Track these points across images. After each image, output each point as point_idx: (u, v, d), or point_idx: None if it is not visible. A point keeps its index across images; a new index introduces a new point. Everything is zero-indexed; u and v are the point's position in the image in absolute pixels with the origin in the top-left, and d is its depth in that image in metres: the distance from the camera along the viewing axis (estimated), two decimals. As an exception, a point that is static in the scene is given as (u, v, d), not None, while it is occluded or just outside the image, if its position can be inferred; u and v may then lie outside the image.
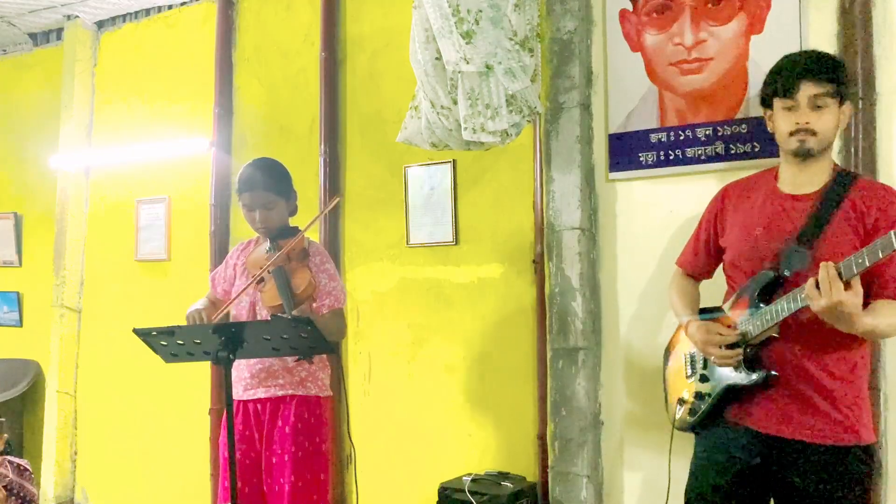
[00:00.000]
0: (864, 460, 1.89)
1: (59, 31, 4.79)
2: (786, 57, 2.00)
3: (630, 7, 2.83)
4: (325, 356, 2.64)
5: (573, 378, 2.83)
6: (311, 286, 2.46)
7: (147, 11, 4.48)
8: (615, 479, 2.85)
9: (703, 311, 2.16)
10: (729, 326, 2.01)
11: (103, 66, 4.68)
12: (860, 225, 1.88)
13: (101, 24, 4.69)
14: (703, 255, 2.20)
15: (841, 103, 1.93)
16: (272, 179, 2.57)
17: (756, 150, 2.57)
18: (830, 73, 1.90)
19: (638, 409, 2.80)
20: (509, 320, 3.20)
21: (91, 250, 4.65)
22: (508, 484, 2.94)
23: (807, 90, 1.89)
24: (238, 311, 2.63)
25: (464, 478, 3.01)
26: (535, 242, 3.10)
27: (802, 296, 1.78)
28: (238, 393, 2.59)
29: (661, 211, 2.75)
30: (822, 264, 1.71)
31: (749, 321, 1.95)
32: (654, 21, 2.78)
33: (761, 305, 1.92)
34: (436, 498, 2.99)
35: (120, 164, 4.50)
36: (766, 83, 2.02)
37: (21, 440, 4.71)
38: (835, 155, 2.44)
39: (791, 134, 1.93)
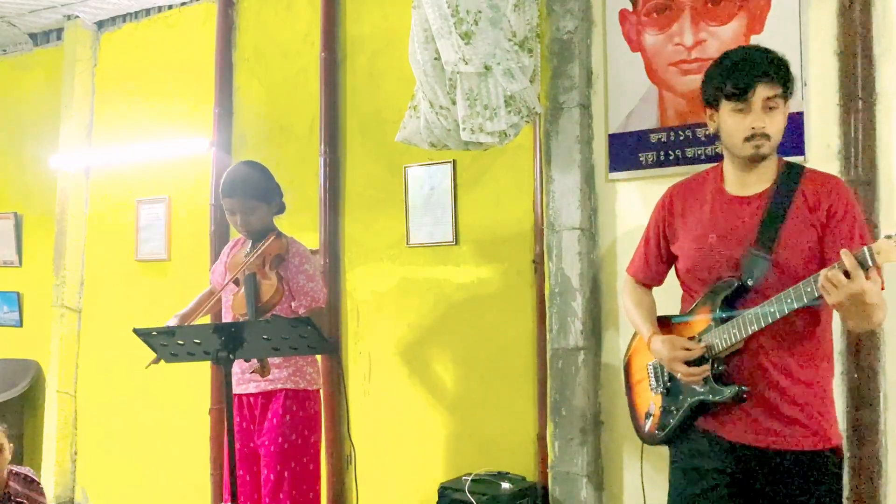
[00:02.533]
0: (835, 462, 1.86)
1: (59, 31, 4.79)
2: (734, 53, 1.89)
3: (630, 7, 2.83)
4: None
5: (573, 378, 2.83)
6: (279, 293, 2.54)
7: (147, 11, 4.48)
8: (615, 479, 2.85)
9: (660, 320, 2.08)
10: (691, 338, 1.93)
11: (103, 66, 4.68)
12: (814, 217, 1.81)
13: (101, 24, 4.69)
14: (655, 262, 2.11)
15: (787, 101, 1.85)
16: (251, 186, 2.64)
17: (756, 150, 2.57)
18: (783, 74, 1.82)
19: (638, 409, 2.80)
20: (509, 320, 3.20)
21: (91, 250, 4.65)
22: (508, 484, 2.93)
23: (762, 92, 1.80)
24: (226, 311, 2.73)
25: (464, 478, 3.01)
26: (535, 242, 3.10)
27: (810, 290, 1.68)
28: (233, 387, 2.64)
29: (660, 211, 2.75)
30: (842, 252, 1.59)
31: (716, 333, 1.87)
32: (654, 21, 2.78)
33: (725, 318, 1.84)
34: (436, 498, 2.99)
35: (120, 164, 4.50)
36: (711, 81, 1.89)
37: (21, 440, 4.71)
38: (835, 155, 2.45)
39: (746, 140, 1.83)
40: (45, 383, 4.69)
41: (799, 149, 2.48)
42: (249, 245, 2.71)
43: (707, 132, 2.66)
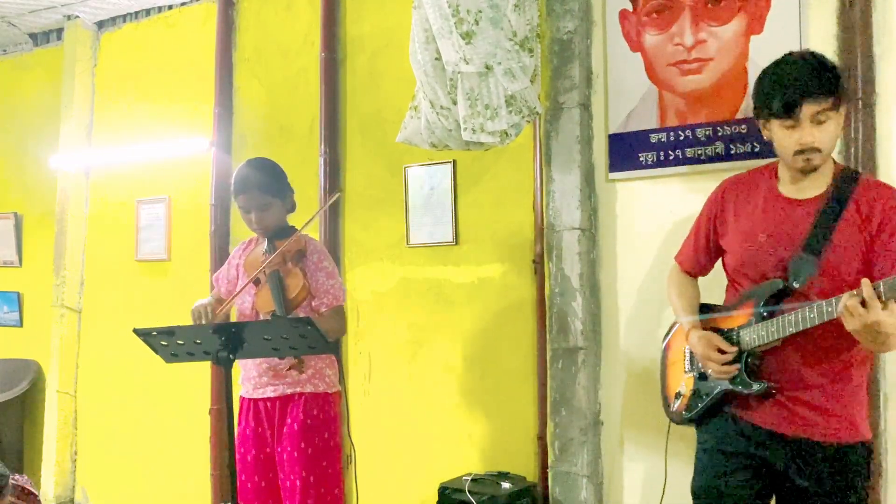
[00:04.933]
0: (864, 456, 1.89)
1: (60, 31, 4.78)
2: (780, 68, 1.87)
3: (630, 7, 2.83)
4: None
5: (573, 378, 2.83)
6: (305, 289, 2.48)
7: (147, 11, 4.48)
8: (615, 479, 2.85)
9: (703, 308, 2.13)
10: (730, 329, 1.97)
11: (103, 66, 4.68)
12: (865, 228, 1.82)
13: (101, 25, 4.68)
14: (703, 253, 2.14)
15: (840, 107, 1.84)
16: (266, 180, 2.57)
17: (756, 150, 2.57)
18: (832, 87, 1.80)
19: (638, 409, 2.80)
20: (509, 320, 3.20)
21: (91, 250, 4.65)
22: (508, 484, 2.94)
23: (809, 109, 1.79)
24: (241, 311, 2.66)
25: (464, 478, 3.01)
26: (535, 242, 3.10)
27: (830, 310, 1.71)
28: (248, 391, 2.62)
29: (661, 211, 2.75)
30: (863, 281, 1.63)
31: (754, 330, 1.90)
32: (654, 21, 2.78)
33: (767, 315, 1.88)
34: (436, 498, 2.99)
35: (120, 164, 4.50)
36: (760, 98, 1.89)
37: (21, 440, 4.71)
38: (835, 155, 2.44)
39: (796, 153, 1.84)
40: (45, 383, 4.69)
41: (799, 149, 2.49)
42: (266, 244, 2.62)
43: (707, 132, 2.67)
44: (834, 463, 1.85)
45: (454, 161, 3.34)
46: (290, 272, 2.50)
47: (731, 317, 2.00)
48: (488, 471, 3.12)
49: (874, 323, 1.62)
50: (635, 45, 2.82)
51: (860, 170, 2.36)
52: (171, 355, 2.21)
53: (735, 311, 1.99)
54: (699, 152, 2.69)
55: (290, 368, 2.46)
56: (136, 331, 2.13)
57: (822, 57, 1.87)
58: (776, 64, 1.90)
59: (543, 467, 2.98)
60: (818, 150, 1.83)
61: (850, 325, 1.66)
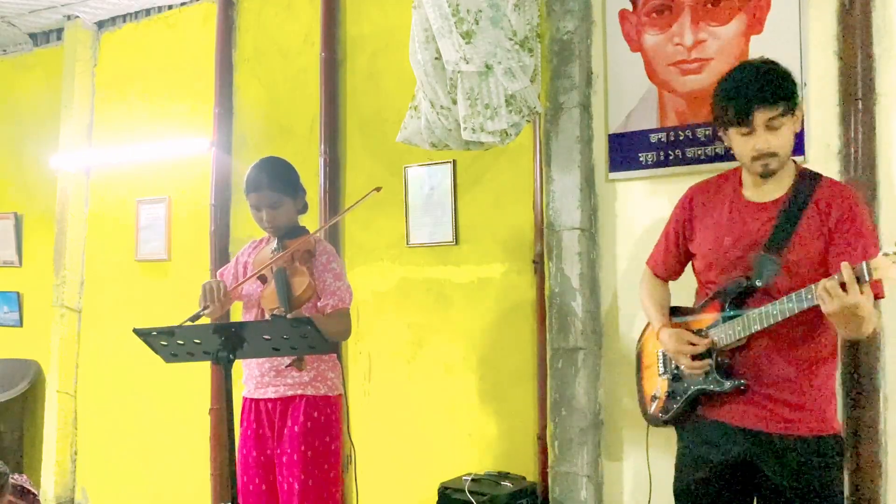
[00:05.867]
0: (837, 448, 1.93)
1: (60, 31, 4.78)
2: (734, 77, 1.95)
3: (630, 7, 2.83)
4: (334, 355, 2.66)
5: (573, 378, 2.83)
6: (311, 288, 2.46)
7: (147, 11, 4.48)
8: (615, 479, 2.85)
9: (673, 310, 2.19)
10: (699, 331, 2.03)
11: (103, 66, 4.68)
12: (825, 224, 1.89)
13: (101, 24, 4.68)
14: (673, 257, 2.21)
15: (794, 112, 1.91)
16: (278, 179, 2.57)
17: (756, 150, 2.57)
18: (782, 94, 1.88)
19: (638, 409, 2.79)
20: (509, 320, 3.20)
21: (91, 250, 4.65)
22: (508, 484, 2.94)
23: (762, 115, 1.87)
24: (248, 309, 2.65)
25: (464, 478, 3.01)
26: (535, 242, 3.10)
27: (810, 297, 1.77)
28: (250, 391, 2.61)
29: (661, 211, 2.74)
30: (842, 265, 1.69)
31: (722, 329, 1.96)
32: (654, 21, 2.78)
33: (733, 314, 1.94)
34: (436, 498, 2.99)
35: (120, 164, 4.50)
36: (716, 108, 1.97)
37: (21, 440, 4.71)
38: (835, 155, 2.45)
39: (753, 159, 1.92)
40: (45, 383, 4.69)
41: (799, 149, 2.48)
42: (275, 243, 2.61)
43: (707, 132, 2.67)
44: (809, 456, 1.89)
45: (454, 161, 3.34)
46: (297, 271, 2.49)
47: (699, 318, 2.06)
48: (488, 471, 3.12)
49: (853, 305, 1.67)
50: (635, 45, 2.82)
51: (860, 170, 2.37)
52: (171, 355, 2.21)
53: (703, 312, 2.06)
54: (699, 152, 2.69)
55: (289, 365, 2.46)
56: (135, 331, 2.12)
57: (775, 64, 1.95)
58: (730, 73, 1.98)
59: (543, 467, 2.98)
60: (774, 155, 1.90)
61: (829, 307, 1.70)
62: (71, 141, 4.61)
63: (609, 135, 2.86)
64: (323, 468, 2.52)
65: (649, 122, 2.78)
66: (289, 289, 2.44)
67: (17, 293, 4.96)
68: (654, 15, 2.78)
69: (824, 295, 1.71)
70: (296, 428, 2.52)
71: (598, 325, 2.88)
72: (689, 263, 2.19)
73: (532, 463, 3.09)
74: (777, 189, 1.97)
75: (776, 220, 1.93)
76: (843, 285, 1.68)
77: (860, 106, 2.40)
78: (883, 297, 1.88)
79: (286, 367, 2.48)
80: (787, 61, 2.47)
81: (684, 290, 2.23)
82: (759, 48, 2.57)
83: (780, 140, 1.89)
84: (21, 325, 4.95)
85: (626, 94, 2.82)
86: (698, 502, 2.06)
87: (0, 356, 4.92)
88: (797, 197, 1.93)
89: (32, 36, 4.96)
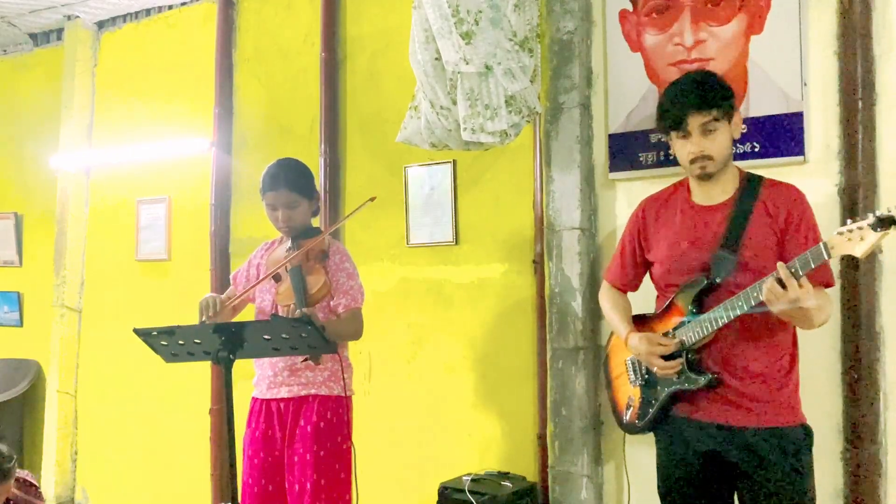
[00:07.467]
0: (806, 439, 2.01)
1: (60, 31, 4.79)
2: (672, 87, 2.09)
3: (630, 7, 2.83)
4: (348, 356, 2.66)
5: (573, 378, 2.83)
6: (326, 286, 2.47)
7: (147, 11, 4.49)
8: (615, 479, 2.85)
9: (637, 319, 2.25)
10: (666, 333, 2.10)
11: (103, 66, 4.68)
12: (774, 223, 2.00)
13: (101, 24, 4.69)
14: (630, 269, 2.29)
15: (730, 118, 2.04)
16: (295, 179, 2.58)
17: (756, 150, 2.57)
18: (713, 100, 2.00)
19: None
20: (509, 320, 3.20)
21: (91, 250, 4.66)
22: (508, 484, 2.94)
23: (695, 121, 2.00)
24: (261, 309, 2.65)
25: (464, 478, 3.01)
26: (535, 242, 3.10)
27: (756, 294, 1.86)
28: (262, 391, 2.60)
29: (661, 211, 2.75)
30: (778, 264, 1.79)
31: (689, 328, 2.04)
32: (654, 21, 2.78)
33: (697, 312, 2.02)
34: (436, 498, 2.99)
35: (120, 164, 4.50)
36: (658, 116, 2.11)
37: (21, 440, 4.71)
38: (835, 155, 2.45)
39: (691, 162, 2.04)
40: (45, 383, 4.69)
41: (799, 149, 2.49)
42: (289, 243, 2.62)
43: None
44: (780, 445, 1.96)
45: (454, 161, 3.35)
46: (312, 269, 2.50)
47: (664, 321, 2.14)
48: (488, 471, 3.12)
49: (794, 300, 1.77)
50: (635, 45, 2.81)
51: (860, 170, 2.37)
52: (172, 355, 2.21)
53: (667, 315, 2.13)
54: (699, 152, 2.69)
55: (303, 361, 2.46)
56: (136, 330, 2.13)
57: (710, 74, 2.11)
58: (671, 84, 2.12)
59: (543, 467, 2.98)
60: (710, 158, 2.02)
61: (776, 306, 1.81)
62: (71, 141, 4.61)
63: (609, 135, 2.86)
64: (334, 468, 2.51)
65: (649, 122, 2.78)
66: (304, 286, 2.45)
67: (18, 293, 4.96)
68: (654, 15, 2.78)
69: (769, 296, 1.81)
70: (308, 428, 2.51)
71: (598, 324, 2.88)
72: (647, 273, 2.27)
73: (532, 463, 3.09)
74: (724, 192, 2.08)
75: (728, 221, 2.03)
76: (780, 283, 1.78)
77: (860, 106, 2.40)
78: (832, 286, 1.99)
79: (302, 362, 2.48)
80: (787, 61, 2.50)
81: (642, 300, 2.29)
82: (759, 48, 2.57)
83: (714, 144, 2.01)
84: (21, 325, 4.96)
85: (626, 94, 2.82)
86: (684, 502, 2.12)
87: (0, 356, 4.92)
88: (743, 198, 2.04)
89: (32, 36, 4.97)
